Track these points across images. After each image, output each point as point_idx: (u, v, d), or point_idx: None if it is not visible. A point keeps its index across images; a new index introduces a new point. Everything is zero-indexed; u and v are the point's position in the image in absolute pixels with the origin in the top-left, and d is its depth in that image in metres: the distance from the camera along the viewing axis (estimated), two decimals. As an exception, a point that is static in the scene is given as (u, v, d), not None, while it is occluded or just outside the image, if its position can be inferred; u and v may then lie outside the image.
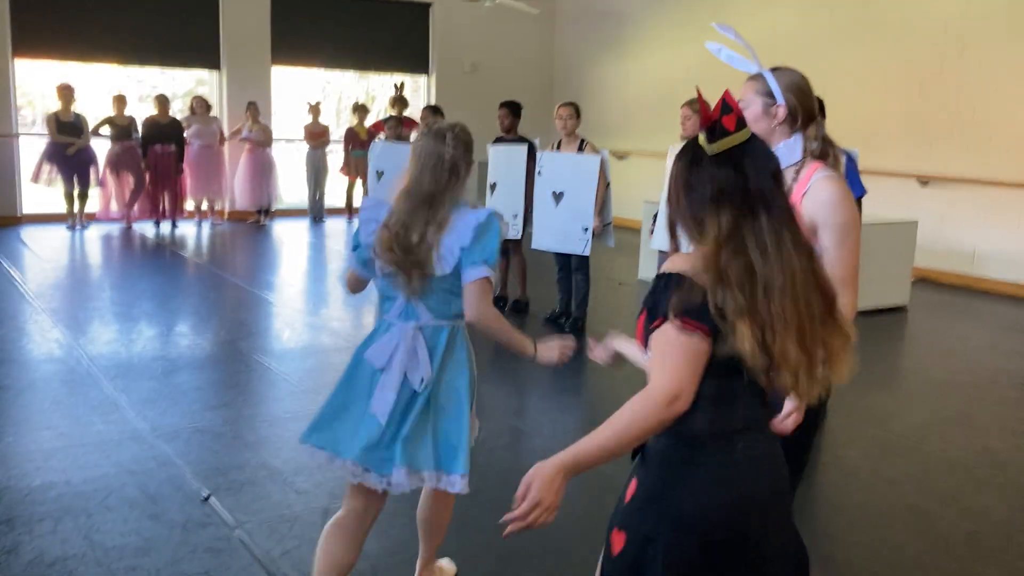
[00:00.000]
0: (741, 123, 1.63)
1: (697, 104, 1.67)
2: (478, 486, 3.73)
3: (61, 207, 10.71)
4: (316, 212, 12.12)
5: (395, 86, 11.93)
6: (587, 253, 6.28)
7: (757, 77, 2.55)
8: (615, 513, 1.75)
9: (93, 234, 10.23)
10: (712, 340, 1.57)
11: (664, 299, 1.58)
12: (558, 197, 6.36)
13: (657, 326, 1.59)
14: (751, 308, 1.54)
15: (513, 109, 7.15)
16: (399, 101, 11.80)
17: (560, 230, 6.33)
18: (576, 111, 6.47)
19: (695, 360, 1.57)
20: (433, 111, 7.89)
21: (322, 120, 12.07)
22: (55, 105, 10.41)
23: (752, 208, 1.59)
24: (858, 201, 4.73)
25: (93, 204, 10.86)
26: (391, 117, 8.77)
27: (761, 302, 1.55)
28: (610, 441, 1.56)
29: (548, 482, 1.55)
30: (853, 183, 4.70)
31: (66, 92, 10.27)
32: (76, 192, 10.46)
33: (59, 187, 10.50)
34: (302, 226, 11.64)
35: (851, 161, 4.73)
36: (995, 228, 8.67)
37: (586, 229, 6.19)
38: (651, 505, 1.63)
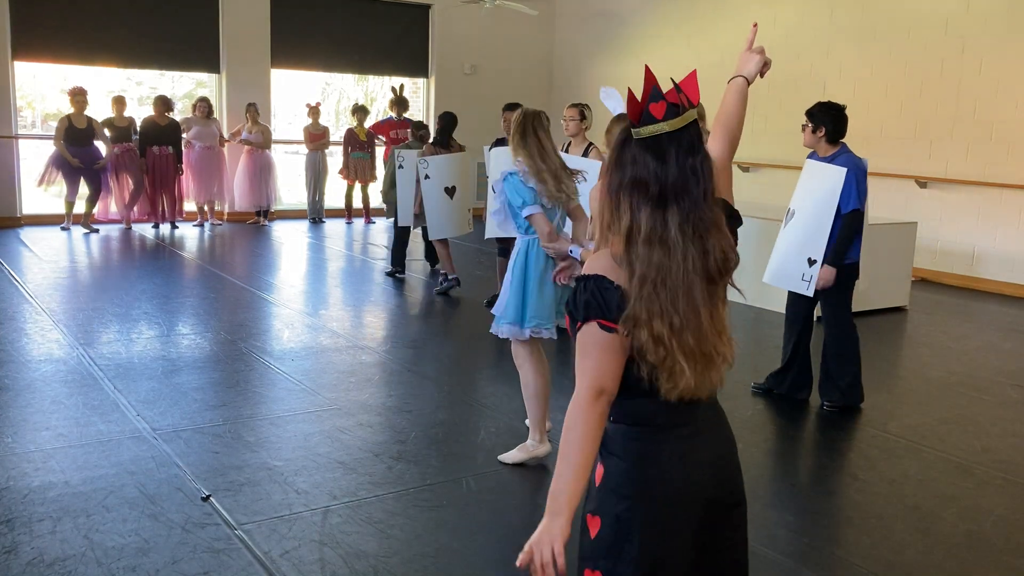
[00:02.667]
0: (671, 112, 1.65)
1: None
2: (478, 488, 3.74)
3: (61, 208, 10.69)
4: (315, 213, 12.12)
5: (393, 89, 11.93)
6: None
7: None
8: (587, 499, 1.78)
9: (93, 236, 10.22)
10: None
11: (582, 302, 1.65)
12: None
13: (579, 328, 1.66)
14: (658, 302, 1.61)
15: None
16: (399, 103, 11.79)
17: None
18: (580, 113, 6.32)
19: (613, 354, 1.64)
20: (419, 127, 8.01)
21: (322, 122, 12.06)
22: (53, 107, 10.38)
23: (665, 201, 1.64)
24: (853, 213, 4.66)
25: (114, 204, 10.84)
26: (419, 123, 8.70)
27: (663, 295, 1.61)
28: (572, 466, 1.64)
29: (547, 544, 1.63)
30: (847, 195, 4.63)
31: (79, 96, 10.14)
32: (86, 196, 10.38)
33: (63, 190, 10.41)
34: (301, 227, 11.64)
35: (853, 172, 4.64)
36: (995, 229, 8.67)
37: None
38: (620, 487, 1.70)
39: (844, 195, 4.64)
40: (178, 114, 11.18)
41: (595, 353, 1.64)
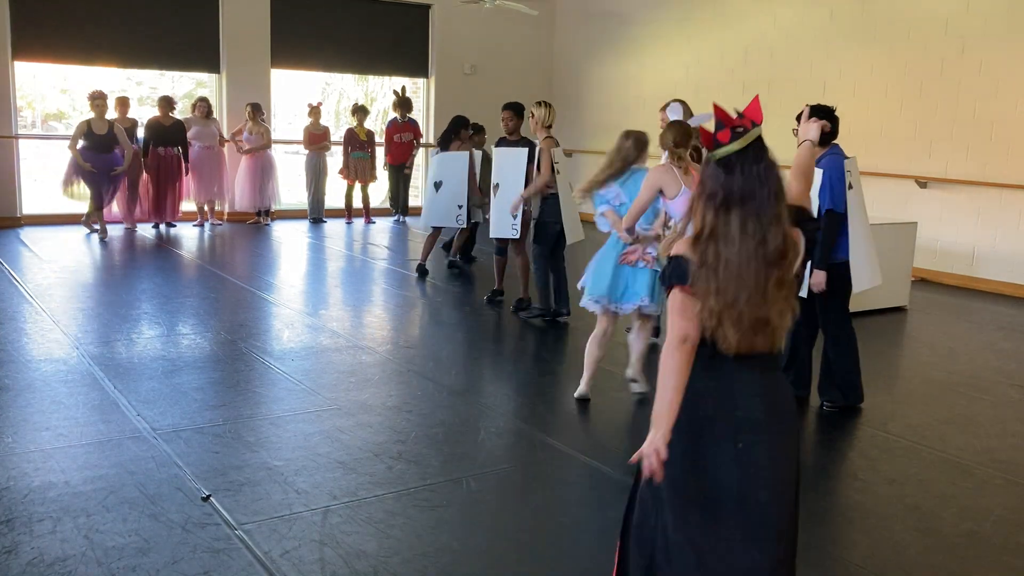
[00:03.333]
0: (735, 135, 2.12)
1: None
2: (478, 488, 3.74)
3: (61, 208, 10.67)
4: (316, 213, 12.11)
5: (395, 92, 11.94)
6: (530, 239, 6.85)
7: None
8: None
9: (94, 236, 10.20)
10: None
11: (667, 273, 2.22)
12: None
13: (668, 292, 2.21)
14: (714, 283, 2.13)
15: (517, 111, 7.14)
16: (402, 105, 11.80)
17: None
18: (528, 110, 6.81)
19: (691, 310, 2.17)
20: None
21: (322, 122, 12.05)
22: (53, 107, 10.32)
23: (729, 205, 2.12)
24: (828, 214, 4.61)
25: (114, 205, 10.75)
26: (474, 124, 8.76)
27: (714, 276, 2.12)
28: (666, 394, 2.17)
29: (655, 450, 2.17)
30: (822, 196, 4.62)
31: (99, 100, 9.79)
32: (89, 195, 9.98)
33: (86, 194, 10.07)
34: (301, 227, 11.64)
35: (828, 173, 4.62)
36: (995, 229, 8.67)
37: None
38: (684, 404, 2.21)
39: (820, 197, 4.62)
40: (178, 114, 11.16)
41: (678, 311, 2.18)
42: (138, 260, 9.09)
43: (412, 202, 13.03)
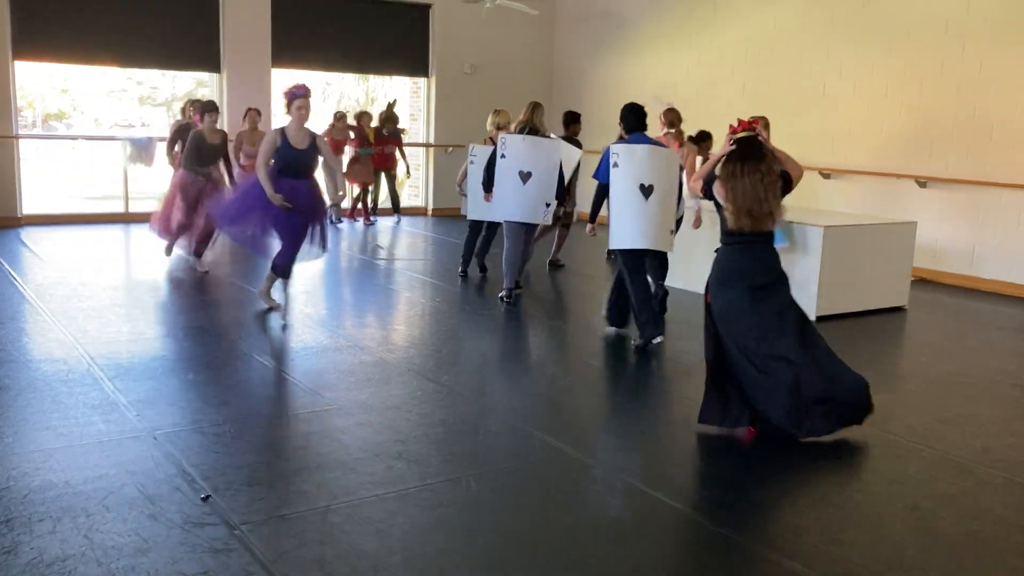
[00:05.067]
0: (745, 131, 4.29)
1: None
2: (478, 488, 3.74)
3: (60, 207, 10.66)
4: (335, 216, 12.10)
5: (388, 104, 12.03)
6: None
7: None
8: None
9: (94, 236, 10.20)
10: (712, 203, 4.45)
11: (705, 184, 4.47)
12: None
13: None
14: (731, 198, 4.21)
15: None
16: (388, 119, 11.91)
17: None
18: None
19: (697, 190, 4.58)
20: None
21: (322, 122, 12.07)
22: (54, 107, 10.31)
23: (739, 160, 4.23)
24: (598, 183, 6.07)
25: (115, 205, 10.59)
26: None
27: (732, 195, 4.20)
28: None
29: None
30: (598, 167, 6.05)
31: (302, 101, 6.55)
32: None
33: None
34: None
35: (604, 153, 5.89)
36: (995, 229, 8.67)
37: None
38: (713, 268, 4.35)
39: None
40: (173, 116, 11.14)
41: (698, 184, 4.48)
42: (138, 260, 9.09)
43: (407, 202, 13.11)
